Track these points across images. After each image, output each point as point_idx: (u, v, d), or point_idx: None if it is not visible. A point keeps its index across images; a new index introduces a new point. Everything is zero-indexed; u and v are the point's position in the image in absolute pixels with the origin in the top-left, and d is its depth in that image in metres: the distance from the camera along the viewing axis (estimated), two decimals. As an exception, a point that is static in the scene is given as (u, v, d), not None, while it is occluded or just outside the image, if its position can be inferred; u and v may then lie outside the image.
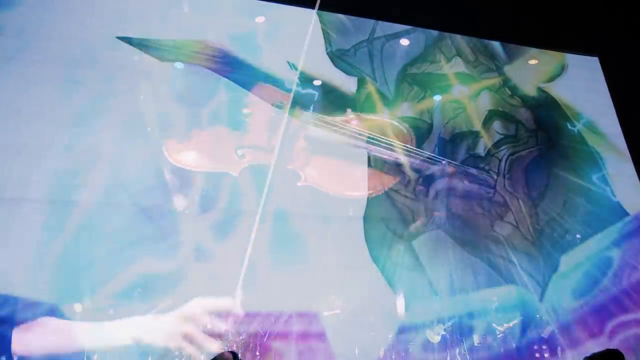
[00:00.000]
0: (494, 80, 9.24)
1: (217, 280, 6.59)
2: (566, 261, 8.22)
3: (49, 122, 6.66)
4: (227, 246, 6.87)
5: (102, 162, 6.67)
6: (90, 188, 6.52)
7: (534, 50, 9.96)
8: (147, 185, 6.81)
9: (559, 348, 7.43)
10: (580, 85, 9.73)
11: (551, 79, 9.69)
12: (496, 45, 9.63)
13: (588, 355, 2.56)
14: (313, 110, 7.92)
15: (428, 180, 8.13)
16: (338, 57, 8.36)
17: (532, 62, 9.78)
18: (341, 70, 8.33)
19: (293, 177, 7.50)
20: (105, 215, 6.45)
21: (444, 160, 8.06)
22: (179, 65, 7.52)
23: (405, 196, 7.92)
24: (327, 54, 8.38)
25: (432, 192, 8.10)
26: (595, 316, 7.96)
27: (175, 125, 7.18)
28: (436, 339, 7.03)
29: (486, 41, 9.58)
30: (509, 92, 9.22)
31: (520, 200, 8.45)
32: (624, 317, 8.02)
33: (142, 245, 6.48)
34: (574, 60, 10.10)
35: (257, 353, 6.38)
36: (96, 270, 6.16)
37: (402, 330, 7.05)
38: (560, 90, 9.65)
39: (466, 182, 8.35)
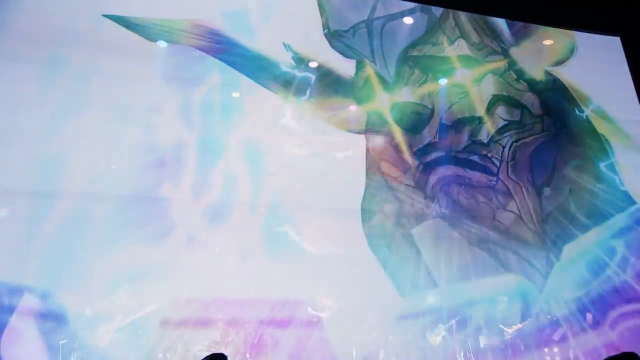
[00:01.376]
0: (499, 64, 8.81)
1: (212, 270, 6.42)
2: (569, 250, 7.98)
3: (32, 106, 6.33)
4: (220, 236, 6.65)
5: (88, 147, 6.37)
6: (77, 174, 6.23)
7: (543, 30, 9.36)
8: (136, 171, 6.54)
9: (570, 350, 7.25)
10: (593, 68, 9.17)
11: (560, 62, 9.21)
12: (502, 26, 9.15)
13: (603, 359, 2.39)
14: (310, 96, 7.57)
15: (428, 167, 7.89)
16: (336, 39, 7.94)
17: (547, 42, 9.21)
18: (339, 52, 7.91)
19: (289, 166, 7.30)
20: (94, 203, 6.19)
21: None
22: (167, 45, 7.13)
23: (405, 184, 7.67)
24: (325, 35, 7.96)
25: (432, 180, 7.86)
26: (598, 306, 7.78)
27: (165, 109, 6.88)
28: (437, 340, 6.80)
29: (492, 22, 9.09)
30: (515, 76, 8.80)
31: (523, 189, 8.18)
32: (626, 308, 7.84)
33: (135, 233, 6.28)
34: (586, 40, 9.46)
35: (248, 350, 6.22)
36: (88, 259, 5.98)
37: (402, 322, 6.87)
38: (569, 74, 9.14)
39: (468, 170, 8.08)
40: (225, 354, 5.87)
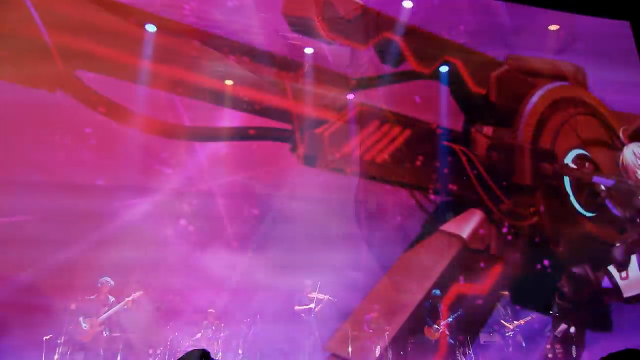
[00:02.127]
0: (498, 53, 8.36)
1: (202, 264, 6.25)
2: (568, 243, 7.72)
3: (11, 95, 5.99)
4: (210, 228, 6.49)
5: (70, 136, 6.14)
6: (58, 164, 6.01)
7: (546, 16, 8.83)
8: (120, 161, 6.27)
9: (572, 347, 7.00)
10: (600, 54, 8.53)
11: (561, 50, 8.71)
12: (502, 11, 8.69)
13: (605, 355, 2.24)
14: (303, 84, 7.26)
15: (427, 159, 7.59)
16: (332, 24, 7.55)
17: (553, 27, 8.71)
18: (335, 37, 7.49)
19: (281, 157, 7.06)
20: (78, 194, 5.94)
21: None
22: (156, 30, 6.71)
23: (401, 175, 7.45)
24: (319, 20, 7.59)
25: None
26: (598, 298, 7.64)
27: (154, 96, 6.58)
28: (436, 335, 6.55)
29: (492, 8, 8.61)
30: (514, 64, 8.43)
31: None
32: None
33: (121, 225, 6.10)
34: (594, 25, 8.87)
35: (241, 345, 6.02)
36: (73, 252, 5.77)
37: (398, 317, 6.65)
38: (573, 61, 8.68)
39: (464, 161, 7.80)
40: (218, 349, 5.83)
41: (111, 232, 6.11)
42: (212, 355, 5.52)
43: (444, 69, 7.89)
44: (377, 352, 6.29)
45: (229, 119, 6.88)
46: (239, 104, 6.85)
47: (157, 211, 6.38)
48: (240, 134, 6.82)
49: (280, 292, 6.48)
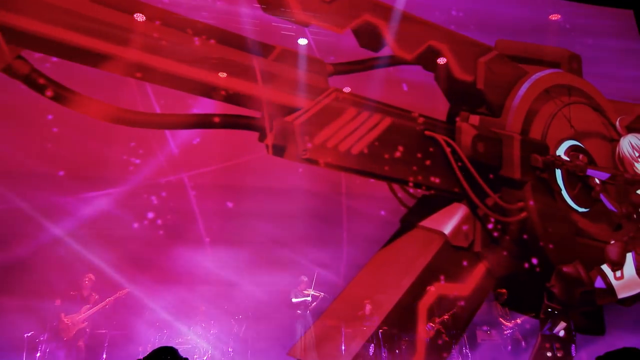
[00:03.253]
0: (488, 38, 7.98)
1: (189, 259, 6.07)
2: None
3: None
4: (195, 222, 6.29)
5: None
6: (35, 156, 5.83)
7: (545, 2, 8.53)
8: (98, 154, 6.06)
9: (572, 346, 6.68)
10: (602, 44, 8.32)
11: (560, 38, 8.32)
12: None
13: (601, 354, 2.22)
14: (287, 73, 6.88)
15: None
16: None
17: (554, 17, 8.36)
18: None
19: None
20: (60, 188, 5.83)
21: None
22: (143, 17, 6.40)
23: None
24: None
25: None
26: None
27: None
28: (430, 333, 6.30)
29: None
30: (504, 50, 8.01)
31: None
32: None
33: (102, 219, 5.94)
34: (597, 14, 8.64)
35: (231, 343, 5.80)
36: (58, 247, 5.67)
37: (394, 315, 6.41)
38: (574, 50, 8.30)
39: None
40: (208, 346, 5.64)
41: (75, 226, 5.90)
42: (203, 353, 5.23)
43: (442, 60, 7.50)
44: (372, 350, 6.03)
45: (196, 106, 6.57)
46: (204, 90, 6.49)
47: (123, 204, 6.14)
48: (206, 122, 6.48)
49: (259, 289, 6.19)
